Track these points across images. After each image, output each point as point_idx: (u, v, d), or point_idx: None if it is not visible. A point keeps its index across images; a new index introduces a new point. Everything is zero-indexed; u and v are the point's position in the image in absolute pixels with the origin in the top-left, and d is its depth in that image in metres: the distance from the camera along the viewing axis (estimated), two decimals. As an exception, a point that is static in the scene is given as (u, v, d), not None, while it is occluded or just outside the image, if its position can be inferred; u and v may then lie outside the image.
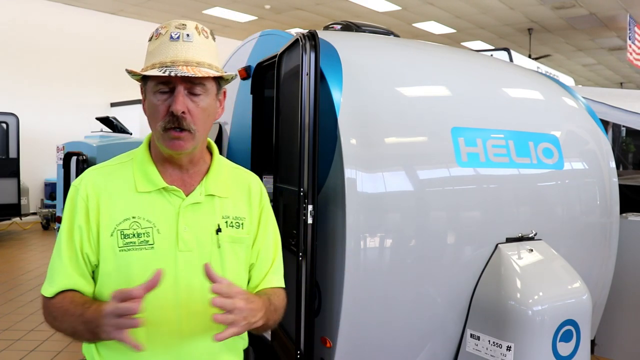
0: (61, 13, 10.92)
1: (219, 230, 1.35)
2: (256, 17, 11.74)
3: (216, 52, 1.32)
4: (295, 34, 2.49)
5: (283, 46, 2.61)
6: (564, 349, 2.46)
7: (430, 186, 2.51)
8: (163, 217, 1.30)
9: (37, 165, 10.13)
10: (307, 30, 2.41)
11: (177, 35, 1.26)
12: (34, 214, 9.98)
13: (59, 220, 6.30)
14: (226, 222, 1.36)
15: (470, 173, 2.60)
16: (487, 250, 2.61)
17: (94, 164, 5.99)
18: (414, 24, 12.03)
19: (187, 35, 1.26)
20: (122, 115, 9.59)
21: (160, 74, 1.21)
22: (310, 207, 2.29)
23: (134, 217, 1.29)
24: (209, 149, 1.44)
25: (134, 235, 1.28)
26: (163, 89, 1.25)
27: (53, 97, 10.74)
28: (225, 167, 1.45)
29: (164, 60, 1.24)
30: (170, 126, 1.25)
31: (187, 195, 1.33)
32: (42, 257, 7.31)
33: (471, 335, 2.55)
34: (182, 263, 1.30)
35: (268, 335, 2.89)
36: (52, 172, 8.77)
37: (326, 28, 3.56)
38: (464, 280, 2.57)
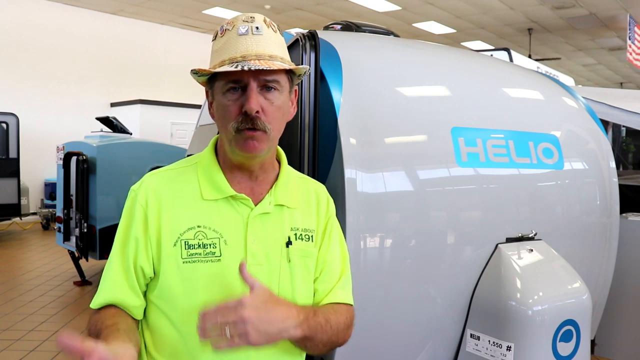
0: (61, 13, 10.93)
1: (289, 243, 1.25)
2: (256, 17, 11.73)
3: (285, 46, 1.24)
4: (295, 34, 2.49)
5: (283, 46, 2.61)
6: (564, 349, 2.46)
7: (430, 186, 2.51)
8: (230, 228, 1.21)
9: (37, 165, 10.14)
10: (307, 30, 2.41)
11: (245, 30, 1.17)
12: (34, 214, 9.99)
13: (59, 220, 6.30)
14: (295, 234, 1.27)
15: (470, 173, 2.60)
16: (487, 250, 2.61)
17: (94, 164, 6.00)
18: (414, 24, 12.03)
19: (257, 28, 1.17)
20: (122, 115, 9.60)
21: (232, 69, 1.12)
22: (310, 207, 2.29)
23: (199, 227, 1.19)
24: (277, 156, 1.34)
25: (199, 245, 1.18)
26: (234, 87, 1.17)
27: (53, 97, 10.75)
28: (293, 176, 1.36)
29: (233, 56, 1.15)
30: (244, 127, 1.15)
31: (255, 205, 1.24)
32: (42, 257, 7.31)
33: (471, 335, 2.55)
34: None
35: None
36: (52, 172, 8.77)
37: (326, 28, 3.56)
38: (464, 280, 2.57)
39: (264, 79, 1.16)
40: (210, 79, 1.21)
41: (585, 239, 3.07)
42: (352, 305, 1.35)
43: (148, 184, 1.24)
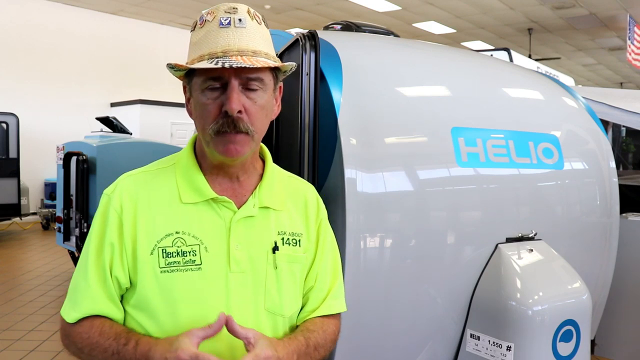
0: (61, 13, 10.94)
1: (275, 248, 1.17)
2: (256, 17, 11.74)
3: (270, 39, 1.13)
4: (295, 34, 2.49)
5: (283, 46, 2.61)
6: (564, 348, 2.46)
7: (430, 186, 2.51)
8: (212, 233, 1.12)
9: (37, 165, 10.14)
10: (307, 30, 2.41)
11: (227, 21, 1.06)
12: (34, 214, 9.99)
13: (59, 220, 6.30)
14: (282, 238, 1.18)
15: (470, 173, 2.60)
16: (487, 250, 2.61)
17: (94, 164, 6.00)
18: (414, 24, 12.03)
19: (239, 20, 1.06)
20: (122, 115, 9.60)
21: (211, 66, 1.02)
22: (310, 207, 2.29)
23: (177, 233, 1.11)
24: (261, 154, 1.25)
25: (178, 253, 1.10)
26: (213, 84, 1.07)
27: (53, 97, 10.75)
28: (279, 176, 1.26)
29: (213, 51, 1.04)
30: (224, 129, 1.06)
31: (238, 208, 1.15)
32: (42, 257, 7.31)
33: (471, 335, 2.55)
34: (233, 287, 1.12)
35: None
36: (52, 172, 8.76)
37: (326, 28, 3.56)
38: (464, 280, 2.57)
39: (247, 77, 1.07)
40: (188, 74, 1.11)
41: (585, 239, 3.07)
42: (344, 310, 1.32)
43: (123, 187, 1.15)
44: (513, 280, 2.49)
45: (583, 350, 2.54)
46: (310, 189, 1.32)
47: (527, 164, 2.79)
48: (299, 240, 1.21)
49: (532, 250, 2.64)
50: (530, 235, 2.71)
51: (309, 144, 2.30)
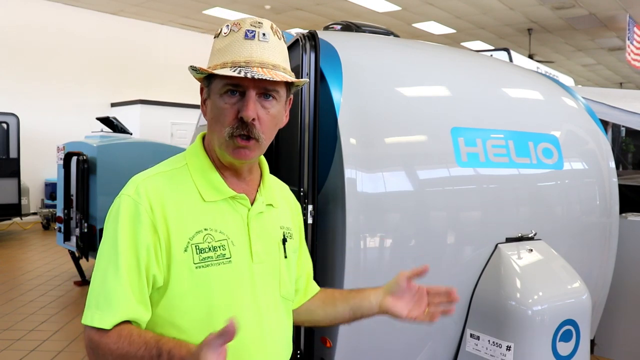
0: (61, 13, 10.93)
1: (284, 239, 1.30)
2: (256, 17, 11.74)
3: (287, 55, 1.23)
4: (295, 34, 2.49)
5: (283, 46, 2.61)
6: (564, 348, 2.47)
7: (430, 186, 2.52)
8: (234, 228, 1.20)
9: (38, 165, 10.13)
10: (307, 31, 2.41)
11: (252, 34, 1.15)
12: (35, 214, 9.99)
13: (59, 220, 6.30)
14: (284, 232, 1.31)
15: (470, 173, 2.60)
16: (486, 250, 2.61)
17: (95, 164, 5.98)
18: (414, 24, 12.03)
19: (264, 34, 1.15)
20: (123, 115, 9.60)
21: (234, 74, 1.10)
22: (310, 207, 2.29)
23: (206, 230, 1.16)
24: None
25: (210, 249, 1.15)
26: (232, 89, 1.15)
27: (53, 97, 10.75)
28: (271, 176, 1.38)
29: (237, 60, 1.13)
30: (238, 133, 1.14)
31: (251, 204, 1.24)
32: (43, 257, 7.32)
33: (471, 335, 2.55)
34: (257, 276, 1.22)
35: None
36: (52, 172, 8.76)
37: (326, 28, 3.57)
38: (463, 280, 2.57)
39: (264, 87, 1.15)
40: (208, 77, 1.19)
41: (585, 239, 3.07)
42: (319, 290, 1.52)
43: (148, 189, 1.16)
44: (513, 280, 2.50)
45: (583, 350, 2.54)
46: (287, 187, 1.46)
47: (527, 164, 2.79)
48: (292, 234, 1.35)
49: (531, 250, 2.65)
50: (530, 235, 2.71)
51: (309, 144, 2.31)
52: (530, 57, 11.51)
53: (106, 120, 7.33)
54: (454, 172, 2.56)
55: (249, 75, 1.09)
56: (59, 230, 6.30)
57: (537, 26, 11.92)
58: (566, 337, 2.47)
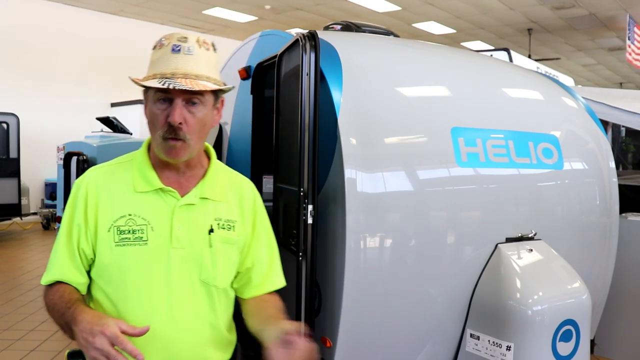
0: (61, 13, 10.93)
1: (211, 230, 1.41)
2: (256, 18, 11.74)
3: (216, 63, 1.39)
4: (295, 34, 2.49)
5: (283, 46, 2.62)
6: (564, 348, 2.47)
7: (430, 186, 2.52)
8: (158, 216, 1.37)
9: (38, 165, 10.13)
10: (307, 31, 2.41)
11: (178, 48, 1.32)
12: (35, 214, 9.98)
13: (59, 220, 6.30)
14: (218, 223, 1.42)
15: (470, 173, 2.60)
16: (486, 250, 2.61)
17: (95, 164, 5.98)
18: (414, 24, 12.03)
19: (188, 48, 1.32)
20: (122, 115, 9.59)
21: (159, 86, 1.28)
22: (310, 207, 2.29)
23: (130, 215, 1.36)
24: (207, 153, 1.51)
25: (129, 231, 1.35)
26: (162, 98, 1.32)
27: (53, 97, 10.74)
28: (221, 172, 1.51)
29: (164, 72, 1.31)
30: (168, 136, 1.32)
31: (182, 197, 1.40)
32: (43, 257, 7.31)
33: (471, 335, 2.55)
34: (174, 259, 1.36)
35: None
36: (52, 172, 8.76)
37: (326, 28, 3.57)
38: (463, 280, 2.57)
39: (189, 95, 1.31)
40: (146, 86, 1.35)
41: (585, 239, 3.07)
42: (284, 285, 1.58)
43: (89, 178, 1.41)
44: (513, 280, 2.49)
45: (583, 350, 2.54)
46: (248, 185, 1.56)
47: (527, 164, 2.79)
48: (233, 226, 1.45)
49: (531, 250, 2.65)
50: (529, 235, 2.71)
51: (309, 144, 2.30)
52: (536, 60, 11.49)
53: (106, 120, 7.33)
54: (454, 172, 2.56)
55: (171, 86, 1.27)
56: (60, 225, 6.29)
57: (537, 26, 11.92)
58: (566, 337, 2.47)
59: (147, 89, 1.36)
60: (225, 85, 1.38)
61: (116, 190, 1.39)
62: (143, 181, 1.39)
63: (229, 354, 1.50)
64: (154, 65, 1.35)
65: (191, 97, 1.32)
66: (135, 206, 1.37)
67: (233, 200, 1.49)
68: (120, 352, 1.14)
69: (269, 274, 1.54)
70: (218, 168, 1.50)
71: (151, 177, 1.40)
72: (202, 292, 1.40)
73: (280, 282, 1.57)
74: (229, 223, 1.44)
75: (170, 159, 1.36)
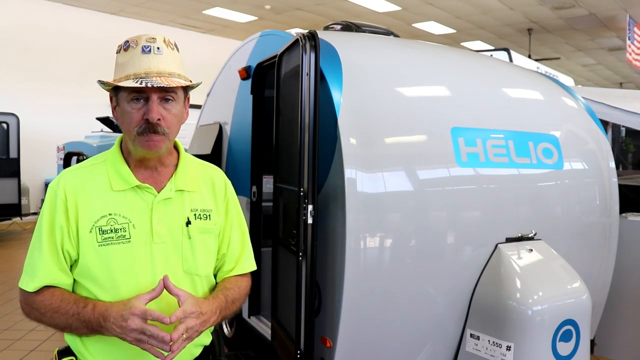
0: (61, 13, 10.93)
1: (188, 222, 1.46)
2: (256, 18, 11.74)
3: (182, 62, 1.45)
4: (295, 34, 2.49)
5: (283, 46, 2.62)
6: (564, 348, 2.47)
7: (430, 186, 2.52)
8: (138, 213, 1.41)
9: (38, 165, 10.13)
10: (307, 31, 2.41)
11: (148, 49, 1.37)
12: (35, 214, 9.97)
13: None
14: (195, 214, 1.48)
15: (470, 173, 2.60)
16: (486, 250, 2.61)
17: (94, 164, 5.82)
18: (414, 24, 12.03)
19: (158, 48, 1.37)
20: (122, 115, 9.59)
21: (137, 85, 1.32)
22: (310, 207, 2.29)
23: (110, 214, 1.39)
24: (176, 148, 1.55)
25: (111, 230, 1.38)
26: (137, 97, 1.36)
27: (53, 97, 10.74)
28: (192, 164, 1.56)
29: (137, 72, 1.35)
30: (147, 132, 1.36)
31: (158, 192, 1.44)
32: (42, 257, 7.30)
33: (471, 335, 2.55)
34: (157, 254, 1.41)
35: (268, 335, 2.89)
36: (52, 172, 8.78)
37: (326, 28, 3.57)
38: (463, 280, 2.57)
39: (164, 92, 1.37)
40: (116, 88, 1.41)
41: (585, 239, 3.07)
42: (254, 269, 1.63)
43: (65, 181, 1.42)
44: (513, 280, 2.49)
45: (583, 350, 2.54)
46: (218, 173, 1.60)
47: (527, 164, 2.79)
48: (209, 215, 1.51)
49: (531, 250, 2.65)
50: (529, 235, 2.71)
51: (309, 144, 2.31)
52: (536, 60, 11.49)
53: (106, 120, 7.34)
54: (454, 172, 2.56)
55: (148, 85, 1.32)
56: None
57: (537, 26, 11.92)
58: (566, 337, 2.47)
59: (117, 92, 1.41)
60: (191, 82, 1.44)
61: (93, 191, 1.41)
62: (119, 180, 1.42)
63: (209, 336, 1.56)
64: (123, 67, 1.39)
65: (165, 94, 1.37)
66: (115, 205, 1.40)
67: (206, 189, 1.54)
68: (154, 325, 1.23)
69: (239, 259, 1.59)
70: (188, 160, 1.55)
71: (127, 175, 1.43)
72: (186, 281, 1.45)
73: (250, 266, 1.61)
74: (205, 212, 1.49)
75: (149, 151, 1.39)
